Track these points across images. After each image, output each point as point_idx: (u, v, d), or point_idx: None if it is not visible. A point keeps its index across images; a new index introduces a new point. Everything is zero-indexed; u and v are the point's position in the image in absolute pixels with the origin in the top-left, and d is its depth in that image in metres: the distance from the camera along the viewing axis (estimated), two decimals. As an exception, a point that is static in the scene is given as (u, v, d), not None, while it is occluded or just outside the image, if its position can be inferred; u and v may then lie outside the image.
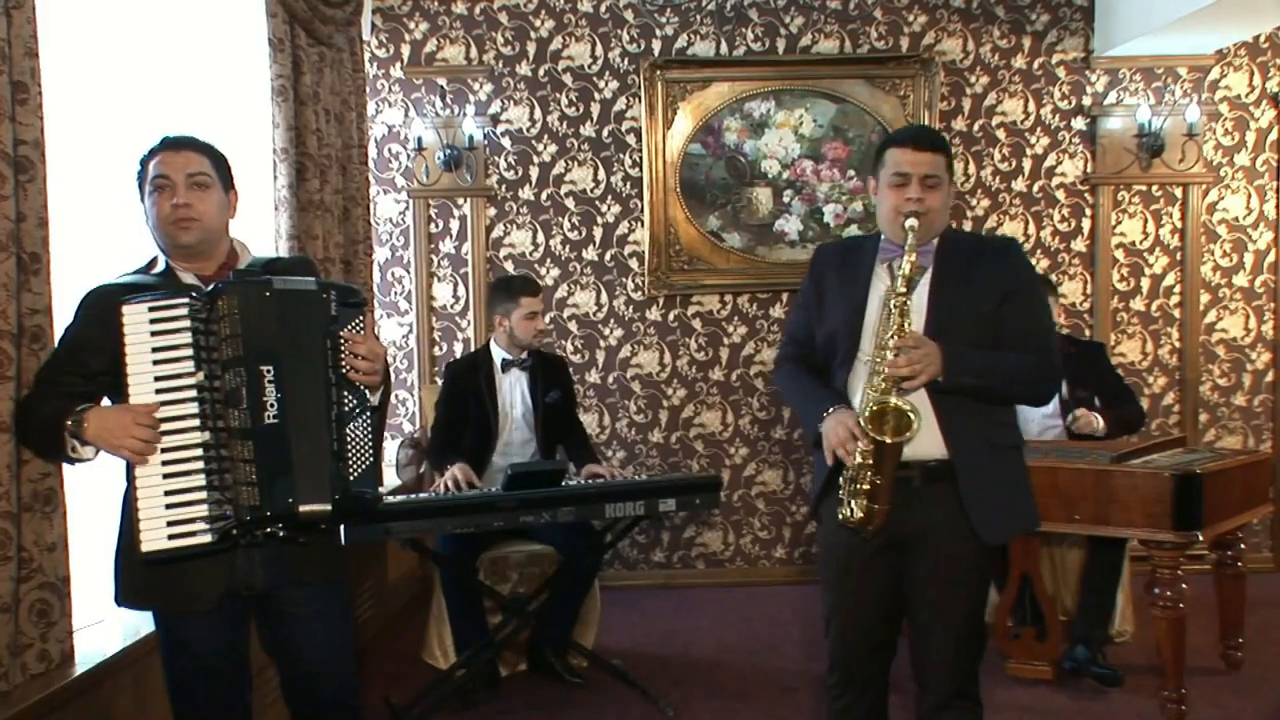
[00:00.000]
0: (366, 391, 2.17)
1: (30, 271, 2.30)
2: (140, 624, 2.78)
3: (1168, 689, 3.35)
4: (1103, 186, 5.08)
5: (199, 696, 2.24)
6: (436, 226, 5.06)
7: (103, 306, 2.09)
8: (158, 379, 2.02)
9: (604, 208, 5.06)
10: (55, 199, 2.39)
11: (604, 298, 5.10)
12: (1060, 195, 5.10)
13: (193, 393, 2.04)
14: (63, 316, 2.42)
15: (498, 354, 3.98)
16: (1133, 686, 3.66)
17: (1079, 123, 5.07)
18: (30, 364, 2.29)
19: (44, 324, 2.33)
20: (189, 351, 2.03)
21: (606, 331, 5.11)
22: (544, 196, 5.05)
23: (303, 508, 2.05)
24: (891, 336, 2.29)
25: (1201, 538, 3.30)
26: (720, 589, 5.06)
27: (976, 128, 5.08)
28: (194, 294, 2.07)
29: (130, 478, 2.03)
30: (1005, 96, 5.08)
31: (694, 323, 5.12)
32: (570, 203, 5.06)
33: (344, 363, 2.13)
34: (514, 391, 3.97)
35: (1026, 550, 3.74)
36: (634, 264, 5.07)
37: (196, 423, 2.03)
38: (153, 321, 2.02)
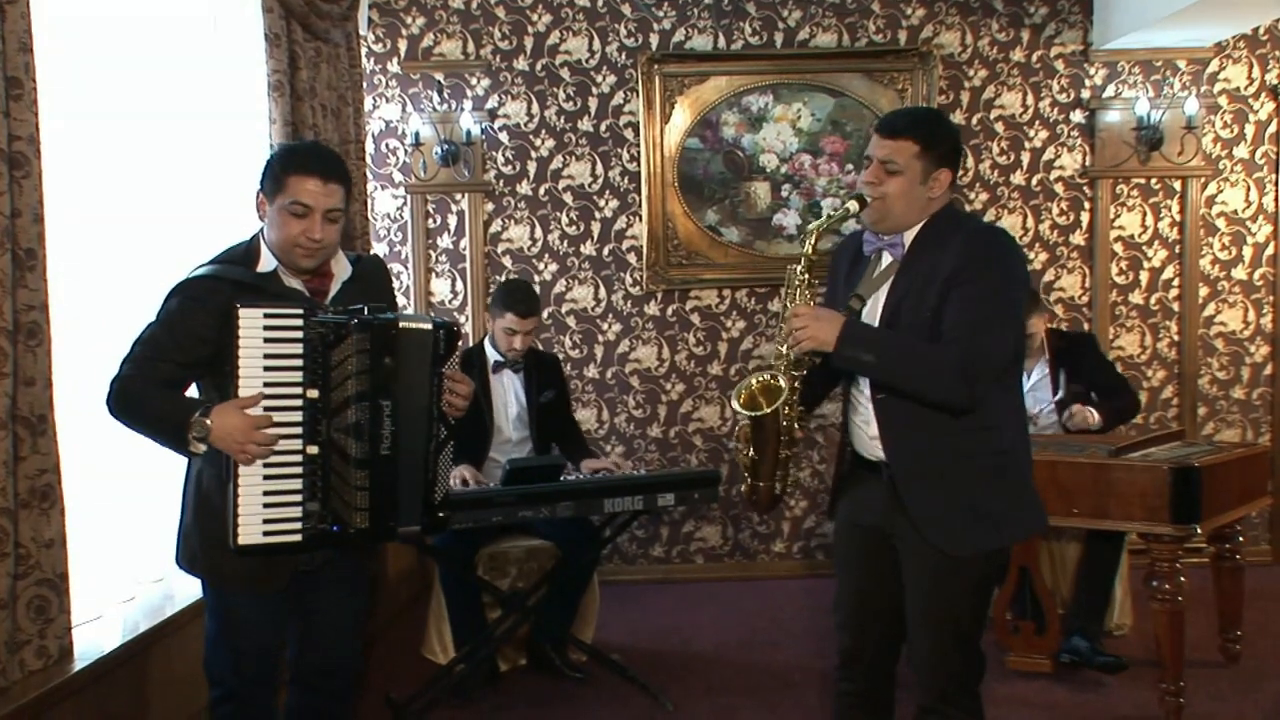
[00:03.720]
0: (452, 422, 2.32)
1: (25, 268, 2.29)
2: (139, 620, 2.78)
3: (1166, 682, 3.35)
4: (1101, 180, 5.07)
5: (242, 667, 2.33)
6: (434, 222, 5.05)
7: (213, 301, 2.16)
8: (267, 384, 2.12)
9: (602, 202, 5.06)
10: (50, 195, 2.38)
11: (602, 293, 5.09)
12: (1059, 188, 5.10)
13: (298, 402, 2.14)
14: (59, 313, 2.42)
15: (490, 354, 3.95)
16: (1131, 679, 3.67)
17: (1077, 116, 5.07)
18: (26, 361, 2.29)
19: (40, 320, 2.32)
20: (299, 363, 2.14)
21: (605, 326, 5.10)
22: (542, 191, 5.04)
23: (401, 529, 2.28)
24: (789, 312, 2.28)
25: (1200, 531, 3.30)
26: (719, 583, 5.06)
27: (975, 121, 5.07)
28: (307, 309, 2.16)
29: (231, 475, 2.14)
30: (1003, 90, 5.07)
31: (692, 317, 5.11)
32: (568, 198, 5.05)
33: (444, 399, 2.28)
34: (508, 391, 3.94)
35: (1025, 544, 3.73)
36: (632, 259, 5.07)
37: (299, 430, 2.15)
38: (267, 329, 2.11)
